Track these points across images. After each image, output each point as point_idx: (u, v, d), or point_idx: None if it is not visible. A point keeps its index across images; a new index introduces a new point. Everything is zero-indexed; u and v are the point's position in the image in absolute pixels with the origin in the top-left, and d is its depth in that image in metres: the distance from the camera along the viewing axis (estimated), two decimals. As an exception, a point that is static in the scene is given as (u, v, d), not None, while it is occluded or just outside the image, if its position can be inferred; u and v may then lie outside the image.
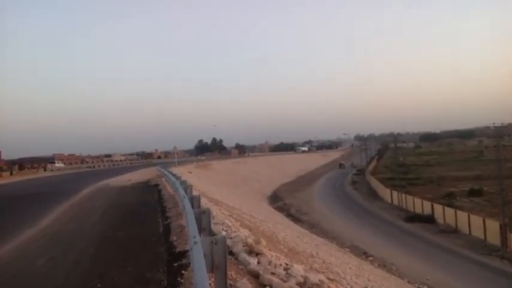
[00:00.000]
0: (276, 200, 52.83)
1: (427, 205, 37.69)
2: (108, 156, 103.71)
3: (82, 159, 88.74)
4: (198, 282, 3.10)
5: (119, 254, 8.16)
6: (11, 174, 45.48)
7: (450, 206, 35.63)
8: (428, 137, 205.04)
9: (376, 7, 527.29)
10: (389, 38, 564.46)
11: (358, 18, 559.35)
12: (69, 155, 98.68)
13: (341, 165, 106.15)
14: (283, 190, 63.90)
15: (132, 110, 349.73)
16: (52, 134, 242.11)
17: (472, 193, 43.40)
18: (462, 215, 31.74)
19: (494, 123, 38.40)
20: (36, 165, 61.01)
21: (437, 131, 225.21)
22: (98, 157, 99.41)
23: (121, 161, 79.91)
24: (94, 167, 64.76)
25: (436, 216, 35.24)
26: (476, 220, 29.94)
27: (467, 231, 30.51)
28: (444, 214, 34.02)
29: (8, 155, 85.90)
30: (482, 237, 28.58)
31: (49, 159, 76.26)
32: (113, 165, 69.76)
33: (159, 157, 68.71)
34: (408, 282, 19.57)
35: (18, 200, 20.62)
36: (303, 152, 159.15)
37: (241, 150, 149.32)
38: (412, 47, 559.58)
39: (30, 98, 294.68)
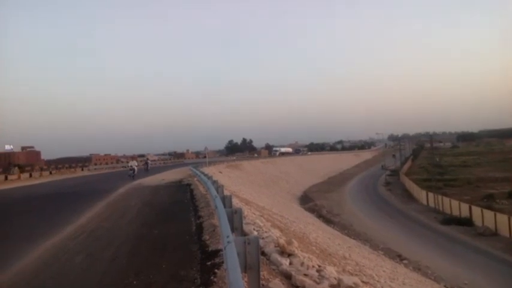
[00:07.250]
0: (307, 200, 52.41)
1: (464, 207, 36.38)
2: (142, 156, 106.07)
3: (117, 159, 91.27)
4: (232, 281, 3.12)
5: (154, 251, 8.35)
6: (50, 173, 47.42)
7: (489, 208, 34.24)
8: (466, 137, 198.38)
9: (411, 11, 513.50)
10: (425, 38, 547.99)
11: (395, 21, 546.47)
12: (105, 155, 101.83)
13: (383, 167, 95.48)
14: (314, 191, 63.34)
15: (164, 111, 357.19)
16: (88, 136, 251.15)
17: (513, 195, 41.64)
18: (502, 218, 30.45)
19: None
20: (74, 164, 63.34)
21: (475, 130, 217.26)
22: (132, 157, 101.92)
23: (154, 161, 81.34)
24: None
25: (474, 218, 33.97)
26: (518, 223, 28.68)
27: (507, 235, 29.23)
28: (483, 216, 32.73)
29: (47, 156, 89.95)
30: (525, 241, 27.34)
31: (86, 159, 79.14)
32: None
33: (205, 156, 66.51)
34: (445, 286, 18.98)
35: (58, 198, 21.48)
36: (282, 154, 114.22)
37: (271, 150, 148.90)
38: (450, 46, 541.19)
39: (67, 102, 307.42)
